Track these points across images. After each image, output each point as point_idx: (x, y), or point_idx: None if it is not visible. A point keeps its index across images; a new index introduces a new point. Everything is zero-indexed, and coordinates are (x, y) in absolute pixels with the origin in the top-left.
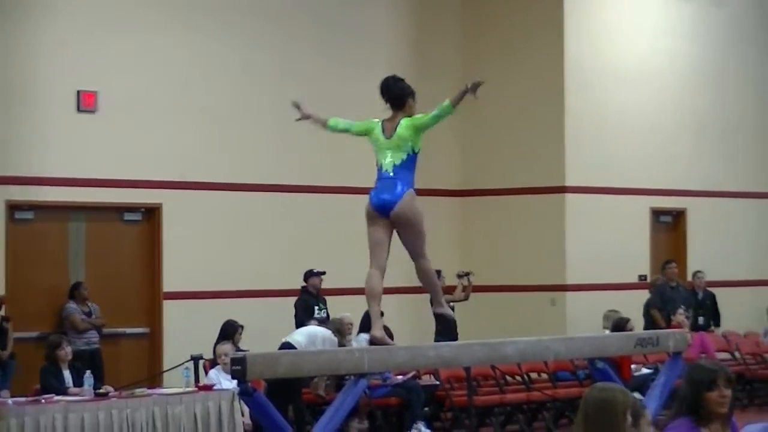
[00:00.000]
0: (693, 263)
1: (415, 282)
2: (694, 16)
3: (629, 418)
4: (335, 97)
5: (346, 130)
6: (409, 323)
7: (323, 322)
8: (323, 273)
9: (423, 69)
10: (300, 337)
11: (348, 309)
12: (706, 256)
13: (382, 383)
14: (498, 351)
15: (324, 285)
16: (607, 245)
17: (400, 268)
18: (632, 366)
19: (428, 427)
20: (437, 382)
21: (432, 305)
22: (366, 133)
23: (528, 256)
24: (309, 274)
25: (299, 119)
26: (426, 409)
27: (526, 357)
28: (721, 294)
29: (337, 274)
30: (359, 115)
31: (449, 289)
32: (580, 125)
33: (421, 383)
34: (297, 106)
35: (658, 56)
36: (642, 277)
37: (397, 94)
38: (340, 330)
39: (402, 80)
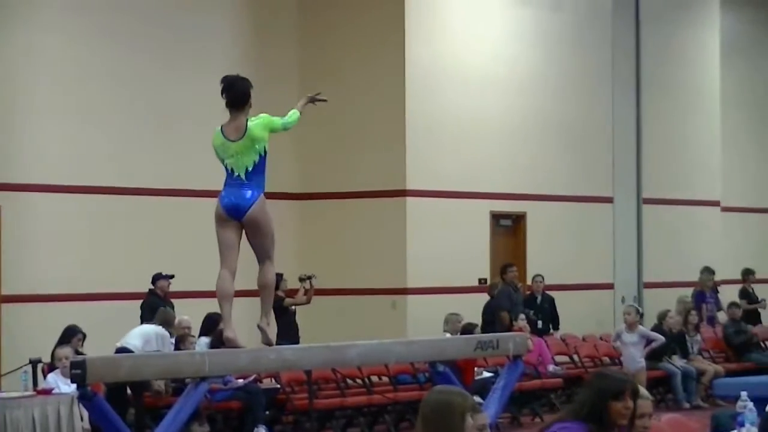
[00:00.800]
0: (532, 267)
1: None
2: (533, 20)
3: (469, 420)
4: (171, 102)
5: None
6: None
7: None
8: (171, 276)
9: (261, 74)
10: (135, 340)
11: (196, 312)
12: (545, 259)
13: (222, 386)
14: (339, 354)
15: (172, 288)
16: (448, 249)
17: (249, 271)
18: (476, 369)
19: (269, 430)
20: (278, 386)
21: (261, 316)
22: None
23: (369, 259)
24: (157, 277)
25: None
26: (267, 412)
27: (367, 360)
28: (559, 297)
29: (184, 277)
30: (191, 118)
31: (291, 293)
32: (421, 129)
33: (261, 386)
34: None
35: (498, 61)
36: (482, 281)
37: (243, 92)
38: (167, 320)
39: (246, 79)
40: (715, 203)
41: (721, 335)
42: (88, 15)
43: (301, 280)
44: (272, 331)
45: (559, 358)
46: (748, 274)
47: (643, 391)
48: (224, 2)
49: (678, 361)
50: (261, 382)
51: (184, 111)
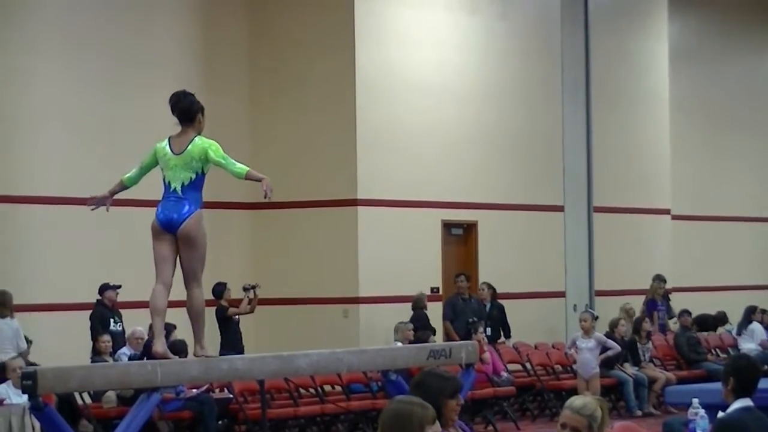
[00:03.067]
0: (484, 275)
1: (207, 294)
2: (483, 29)
3: (428, 430)
4: (119, 110)
5: (142, 173)
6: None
7: (119, 335)
8: (119, 287)
9: (210, 82)
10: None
11: (144, 322)
12: (496, 268)
13: (174, 397)
14: (291, 363)
15: (119, 298)
16: (399, 258)
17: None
18: None
19: None
20: (230, 396)
21: (195, 343)
22: (154, 158)
23: (321, 268)
24: (104, 288)
25: (95, 208)
26: (219, 422)
27: (319, 369)
28: (511, 306)
29: (133, 287)
30: (140, 126)
31: (235, 302)
32: (372, 138)
33: (214, 396)
34: (93, 205)
35: (448, 70)
36: (434, 290)
37: (186, 108)
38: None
39: (192, 95)
40: (666, 211)
41: (673, 343)
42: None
43: (245, 289)
44: (210, 353)
45: (511, 366)
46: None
47: (578, 402)
48: (173, 12)
49: (629, 369)
50: (213, 392)
51: (130, 121)
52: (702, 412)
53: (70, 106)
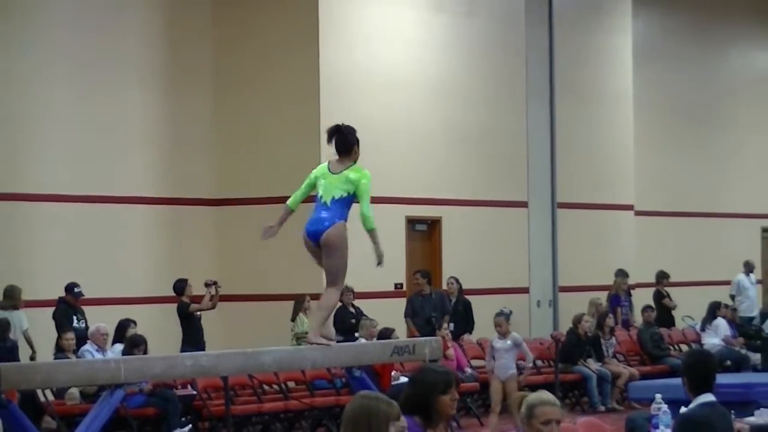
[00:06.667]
0: (448, 271)
1: (168, 292)
2: (447, 26)
3: (392, 428)
4: (84, 107)
5: (303, 195)
6: (164, 332)
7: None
8: (77, 285)
9: (175, 80)
10: None
11: (106, 319)
12: (460, 264)
13: (138, 391)
14: (256, 360)
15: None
16: (363, 254)
17: (155, 277)
18: (393, 374)
19: None
20: (194, 392)
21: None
22: (314, 180)
23: (285, 265)
24: (71, 287)
25: (271, 237)
26: (183, 419)
27: (283, 366)
28: (475, 301)
29: (94, 284)
30: (106, 123)
31: (197, 299)
32: None
33: (177, 393)
34: (270, 236)
35: (412, 66)
36: (398, 285)
37: (344, 141)
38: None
39: (351, 131)
40: (629, 207)
41: (636, 338)
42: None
43: (207, 285)
44: (330, 331)
45: (475, 362)
46: (662, 277)
47: (549, 396)
48: (138, 10)
49: (593, 365)
50: (177, 388)
51: (93, 117)
52: (665, 407)
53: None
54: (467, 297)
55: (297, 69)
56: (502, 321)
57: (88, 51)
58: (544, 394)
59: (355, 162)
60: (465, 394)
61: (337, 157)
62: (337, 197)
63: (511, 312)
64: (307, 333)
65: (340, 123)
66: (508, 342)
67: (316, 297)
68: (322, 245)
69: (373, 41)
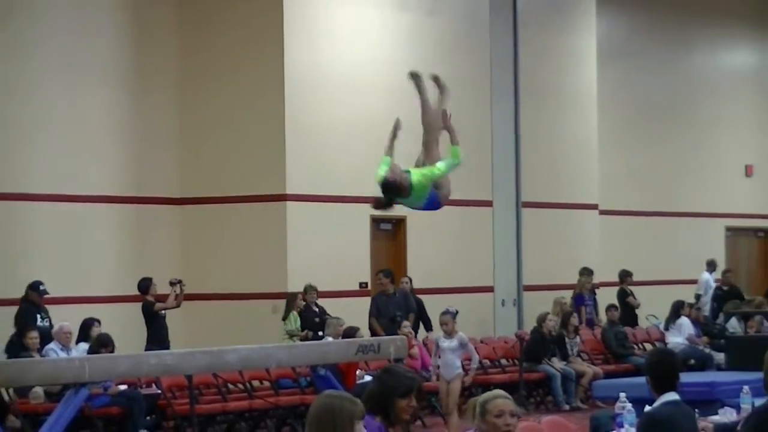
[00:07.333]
0: (412, 270)
1: (132, 290)
2: (411, 25)
3: (358, 427)
4: (53, 101)
5: None
6: (129, 331)
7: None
8: (41, 283)
9: (140, 78)
10: None
11: (70, 318)
12: (425, 263)
13: (102, 392)
14: (221, 359)
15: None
16: (328, 253)
17: (120, 276)
18: (358, 373)
19: None
20: (159, 391)
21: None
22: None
23: (250, 263)
24: (35, 285)
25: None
26: (148, 418)
27: (248, 364)
28: (440, 301)
29: (58, 283)
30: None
31: (162, 297)
32: (301, 133)
33: (142, 392)
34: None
35: (376, 65)
36: (363, 285)
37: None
38: None
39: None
40: (593, 206)
41: (600, 337)
42: None
43: (172, 284)
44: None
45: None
46: (625, 276)
47: (500, 391)
48: (104, 7)
49: (557, 363)
50: (142, 387)
51: (57, 116)
52: (629, 406)
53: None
54: (431, 296)
55: (262, 68)
56: (449, 320)
57: (52, 49)
58: (495, 391)
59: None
60: (429, 393)
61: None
62: (423, 202)
63: (457, 311)
64: (298, 331)
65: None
66: (454, 341)
67: (281, 296)
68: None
69: (338, 39)
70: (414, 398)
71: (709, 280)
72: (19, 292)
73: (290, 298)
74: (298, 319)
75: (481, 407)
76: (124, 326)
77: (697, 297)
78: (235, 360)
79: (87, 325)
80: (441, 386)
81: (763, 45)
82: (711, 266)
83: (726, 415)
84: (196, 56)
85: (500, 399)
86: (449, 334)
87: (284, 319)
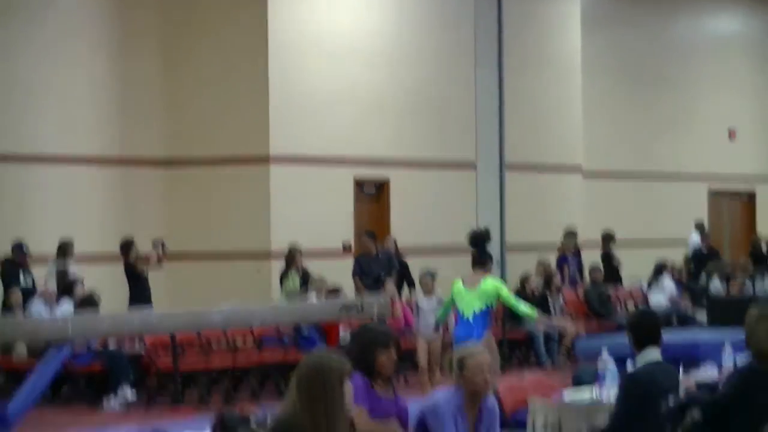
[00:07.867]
0: (396, 233)
1: (116, 251)
2: None
3: (347, 386)
4: (37, 63)
5: (446, 311)
6: (112, 291)
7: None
8: (24, 244)
9: (123, 43)
10: None
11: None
12: (408, 225)
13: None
14: (204, 318)
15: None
16: (312, 215)
17: (103, 237)
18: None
19: (133, 392)
20: (141, 352)
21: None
22: (452, 297)
23: (234, 224)
24: (18, 247)
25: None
26: (131, 375)
27: (232, 323)
28: (423, 263)
29: (42, 243)
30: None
31: (144, 258)
32: (285, 96)
33: (125, 350)
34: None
35: (361, 31)
36: (346, 247)
37: (477, 257)
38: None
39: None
40: (578, 168)
41: (583, 297)
42: None
43: (154, 245)
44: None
45: None
46: (608, 237)
47: (477, 347)
48: None
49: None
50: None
51: (42, 78)
52: (611, 362)
53: None
54: (415, 259)
55: (246, 30)
56: (428, 280)
57: (37, 12)
58: (472, 347)
59: (486, 274)
60: (412, 352)
61: (470, 273)
62: (477, 312)
63: (436, 272)
64: (297, 290)
65: (482, 230)
66: (433, 301)
67: (264, 256)
68: None
69: (322, 5)
70: (393, 350)
71: (698, 241)
72: (5, 252)
73: (290, 257)
74: (297, 278)
75: (459, 363)
76: (108, 286)
77: (688, 259)
78: (219, 319)
79: (70, 285)
80: (419, 344)
81: (747, 9)
82: (699, 228)
83: (708, 373)
84: (180, 19)
85: (478, 354)
86: (428, 294)
87: (282, 277)
